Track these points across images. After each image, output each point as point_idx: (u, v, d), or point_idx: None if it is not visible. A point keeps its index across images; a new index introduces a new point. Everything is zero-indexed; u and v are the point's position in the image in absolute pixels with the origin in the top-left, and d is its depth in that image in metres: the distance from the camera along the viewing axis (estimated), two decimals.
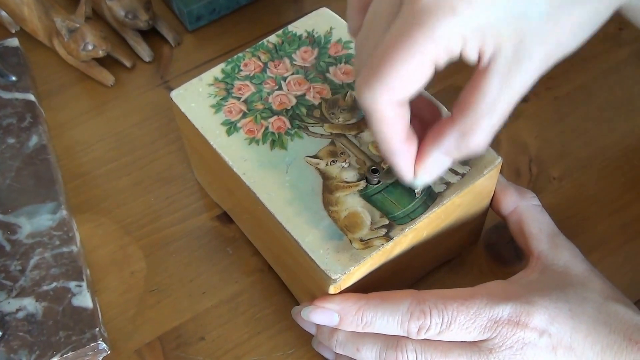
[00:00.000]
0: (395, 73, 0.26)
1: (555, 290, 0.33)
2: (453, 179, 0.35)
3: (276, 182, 0.35)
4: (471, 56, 0.27)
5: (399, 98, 0.27)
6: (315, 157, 0.36)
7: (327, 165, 0.36)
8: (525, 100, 0.49)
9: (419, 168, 0.30)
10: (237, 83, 0.39)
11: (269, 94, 0.39)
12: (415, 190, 0.35)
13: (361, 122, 0.37)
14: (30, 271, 0.39)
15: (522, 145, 0.46)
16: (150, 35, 0.53)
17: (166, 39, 0.53)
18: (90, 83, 0.51)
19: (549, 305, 0.32)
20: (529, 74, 0.27)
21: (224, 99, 0.39)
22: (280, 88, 0.39)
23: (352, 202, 0.34)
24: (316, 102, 0.38)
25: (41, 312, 0.38)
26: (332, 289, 0.33)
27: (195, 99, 0.39)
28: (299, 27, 0.42)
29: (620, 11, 0.32)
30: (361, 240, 0.33)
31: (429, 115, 0.33)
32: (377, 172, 0.35)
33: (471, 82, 0.28)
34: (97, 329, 0.37)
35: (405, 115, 0.29)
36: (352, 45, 0.41)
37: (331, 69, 0.40)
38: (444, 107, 0.36)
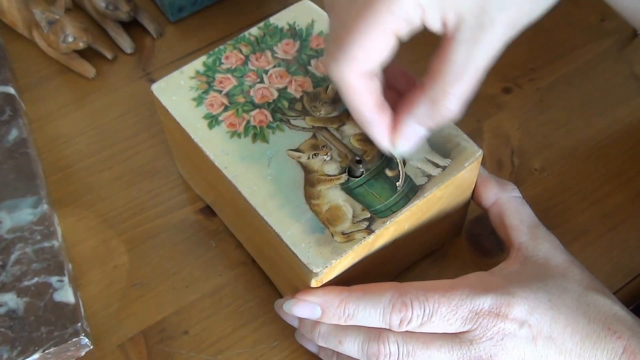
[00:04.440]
0: (358, 45, 0.28)
1: (535, 281, 0.33)
2: (434, 171, 0.35)
3: (258, 176, 0.35)
4: (434, 26, 0.28)
5: (365, 69, 0.29)
6: (297, 150, 0.36)
7: (308, 158, 0.36)
8: (507, 91, 0.49)
9: (395, 137, 0.32)
10: (218, 76, 0.39)
11: (250, 87, 0.39)
12: (397, 184, 0.35)
13: (343, 115, 0.37)
14: (11, 266, 0.39)
15: (504, 137, 0.47)
16: (132, 26, 0.52)
17: (148, 30, 0.52)
18: (71, 75, 0.50)
19: (529, 296, 0.32)
20: (494, 40, 0.28)
21: (206, 92, 0.39)
22: (261, 81, 0.39)
23: (333, 196, 0.34)
24: (298, 95, 0.38)
25: (22, 307, 0.37)
26: (314, 283, 0.33)
27: (177, 92, 0.39)
28: (280, 19, 0.41)
29: None
30: (343, 233, 0.33)
31: (406, 87, 0.34)
32: (360, 163, 0.35)
33: (438, 51, 0.29)
34: (80, 324, 0.37)
35: (374, 85, 0.30)
36: None
37: (313, 61, 0.39)
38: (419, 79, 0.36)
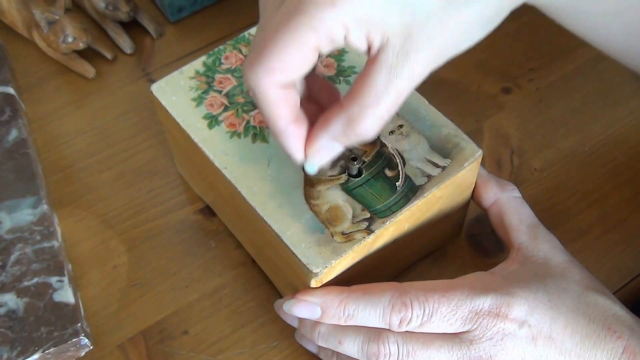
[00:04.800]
0: (276, 57, 0.27)
1: (535, 281, 0.34)
2: (434, 171, 0.35)
3: (257, 176, 0.35)
4: (358, 45, 0.28)
5: (282, 81, 0.28)
6: None
7: None
8: (507, 91, 0.49)
9: (308, 151, 0.31)
10: (218, 76, 0.39)
11: None
12: (397, 184, 0.35)
13: None
14: (10, 267, 0.39)
15: (503, 137, 0.47)
16: (132, 26, 0.52)
17: (148, 30, 0.52)
18: (71, 76, 0.50)
19: (529, 296, 0.32)
20: (417, 68, 0.28)
21: (205, 92, 0.39)
22: None
23: (333, 196, 0.35)
24: None
25: (22, 308, 0.37)
26: (313, 283, 0.33)
27: (176, 92, 0.39)
28: None
29: (543, 10, 0.33)
30: (342, 233, 0.33)
31: (328, 101, 0.34)
32: (356, 160, 0.35)
33: (362, 72, 0.28)
34: (79, 324, 0.37)
35: (291, 97, 0.29)
36: None
37: None
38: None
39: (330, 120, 0.30)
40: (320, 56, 0.28)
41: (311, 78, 0.32)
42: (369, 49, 0.28)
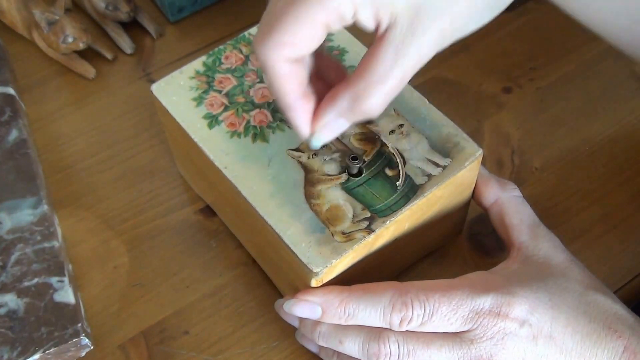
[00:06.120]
0: (286, 32, 0.28)
1: (536, 280, 0.33)
2: (434, 171, 0.35)
3: (258, 176, 0.35)
4: (367, 24, 0.29)
5: (291, 56, 0.29)
6: (297, 150, 0.36)
7: (309, 158, 0.36)
8: (507, 91, 0.49)
9: (314, 126, 0.32)
10: (218, 76, 0.39)
11: (250, 87, 0.39)
12: (397, 183, 0.35)
13: None
14: (11, 267, 0.39)
15: (504, 136, 0.47)
16: (132, 26, 0.52)
17: (148, 30, 0.52)
18: (71, 76, 0.50)
19: (529, 296, 0.32)
20: (424, 48, 0.29)
21: (205, 92, 0.39)
22: (261, 81, 0.39)
23: (333, 195, 0.34)
24: None
25: (23, 308, 0.37)
26: (314, 282, 0.33)
27: (177, 92, 0.39)
28: None
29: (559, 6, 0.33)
30: (343, 233, 0.33)
31: (336, 79, 0.34)
32: (356, 160, 0.35)
33: (369, 50, 0.29)
34: (80, 325, 0.37)
35: (299, 73, 0.30)
36: (333, 37, 0.40)
37: None
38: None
39: (337, 97, 0.31)
40: (329, 34, 0.29)
41: (319, 56, 0.33)
42: (377, 27, 0.28)
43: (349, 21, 0.28)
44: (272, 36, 0.29)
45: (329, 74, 0.34)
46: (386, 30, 0.28)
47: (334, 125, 0.32)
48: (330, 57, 0.35)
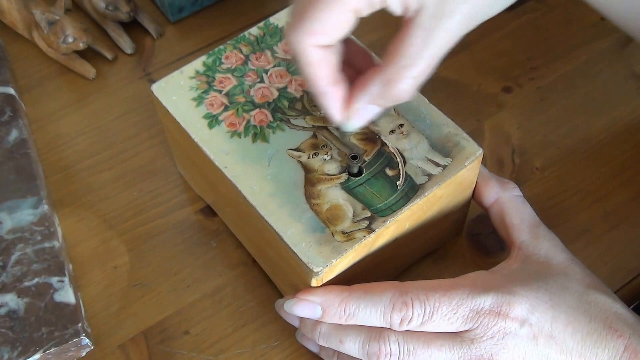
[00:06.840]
0: (317, 19, 0.29)
1: (536, 280, 0.33)
2: (434, 170, 0.35)
3: (258, 175, 0.35)
4: (395, 8, 0.29)
5: (323, 42, 0.30)
6: (297, 149, 0.36)
7: (309, 158, 0.36)
8: (508, 91, 0.49)
9: (347, 112, 0.32)
10: (218, 76, 0.39)
11: (250, 86, 0.39)
12: (397, 183, 0.35)
13: None
14: (11, 267, 0.39)
15: (504, 136, 0.47)
16: (132, 26, 0.52)
17: (148, 30, 0.52)
18: (71, 76, 0.50)
19: (530, 295, 0.32)
20: (451, 30, 0.29)
21: (206, 92, 0.39)
22: (262, 81, 0.39)
23: (334, 195, 0.34)
24: (298, 95, 0.38)
25: (23, 308, 0.37)
26: (314, 282, 0.33)
27: (177, 92, 0.39)
28: (280, 19, 0.41)
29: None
30: (343, 232, 0.33)
31: (365, 65, 0.35)
32: (356, 159, 0.35)
33: (398, 34, 0.30)
34: (80, 325, 0.37)
35: (331, 59, 0.31)
36: None
37: None
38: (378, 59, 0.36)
39: (368, 82, 0.31)
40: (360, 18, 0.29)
41: (349, 43, 0.33)
42: (405, 11, 0.29)
43: (378, 6, 0.29)
44: (303, 24, 0.29)
45: (357, 60, 0.35)
46: (414, 14, 0.29)
47: (365, 110, 0.32)
48: (357, 44, 0.35)
